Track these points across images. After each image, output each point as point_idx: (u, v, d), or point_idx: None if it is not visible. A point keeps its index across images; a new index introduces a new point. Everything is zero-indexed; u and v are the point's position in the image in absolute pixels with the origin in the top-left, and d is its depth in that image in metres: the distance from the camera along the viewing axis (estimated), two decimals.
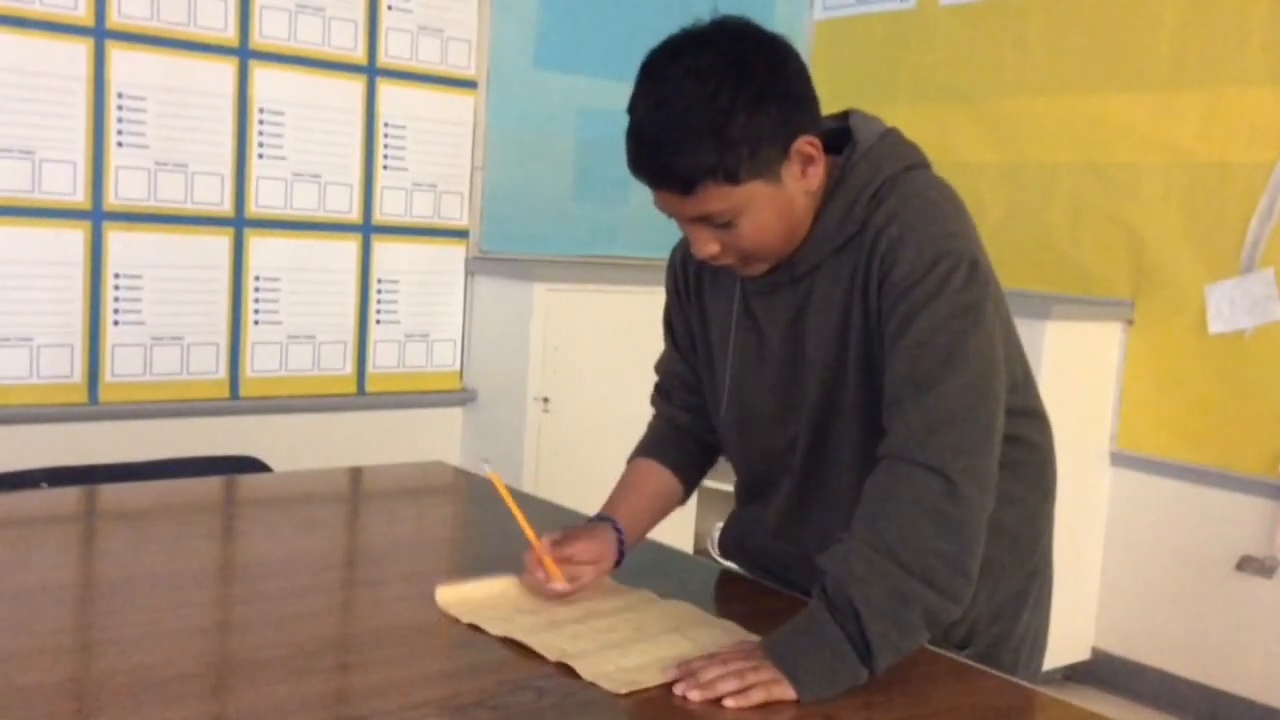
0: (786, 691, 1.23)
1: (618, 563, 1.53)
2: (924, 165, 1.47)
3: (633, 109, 1.36)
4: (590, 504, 1.68)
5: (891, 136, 1.46)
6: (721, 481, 1.75)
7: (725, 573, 1.70)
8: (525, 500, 2.11)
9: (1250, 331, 3.39)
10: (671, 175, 1.33)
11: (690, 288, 1.62)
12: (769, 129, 1.33)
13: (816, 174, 1.40)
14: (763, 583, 1.63)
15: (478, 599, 1.46)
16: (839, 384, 1.44)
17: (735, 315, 1.53)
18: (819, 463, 1.50)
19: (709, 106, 1.30)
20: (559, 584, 1.45)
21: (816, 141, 1.38)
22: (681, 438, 1.67)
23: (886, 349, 1.37)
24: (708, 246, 1.40)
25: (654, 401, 1.73)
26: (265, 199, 3.33)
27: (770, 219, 1.38)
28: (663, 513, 1.65)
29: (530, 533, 1.47)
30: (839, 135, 1.45)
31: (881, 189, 1.41)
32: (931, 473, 1.29)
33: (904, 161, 1.44)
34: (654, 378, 1.73)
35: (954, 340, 1.33)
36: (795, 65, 1.37)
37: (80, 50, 3.01)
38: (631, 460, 1.67)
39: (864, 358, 1.41)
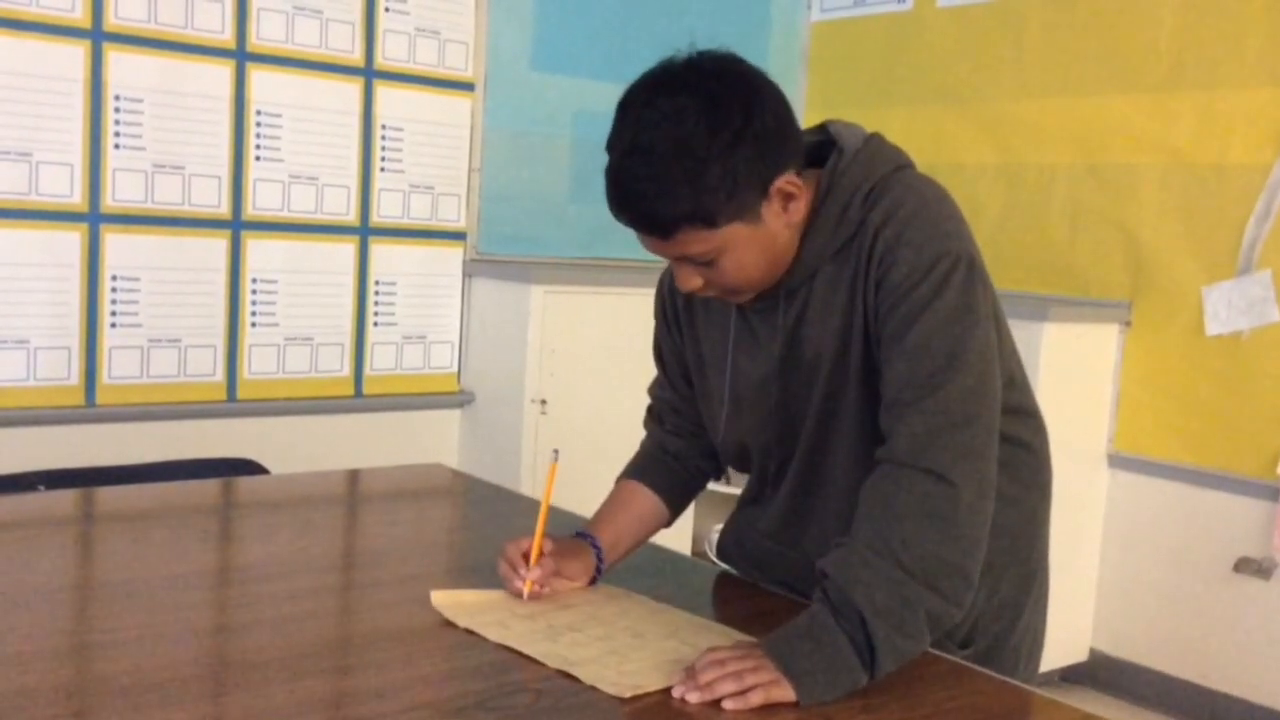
0: (786, 693, 1.23)
1: (591, 582, 1.56)
2: (911, 166, 1.47)
3: (610, 149, 1.36)
4: (588, 506, 1.68)
5: (876, 140, 1.46)
6: (720, 484, 1.75)
7: (723, 575, 1.70)
8: (523, 502, 2.12)
9: (1247, 333, 3.39)
10: (649, 221, 1.34)
11: (680, 316, 1.62)
12: (745, 172, 1.32)
13: (799, 209, 1.39)
14: (760, 586, 1.63)
15: (472, 603, 1.46)
16: (840, 388, 1.44)
17: (733, 334, 1.53)
18: (818, 467, 1.50)
19: (684, 152, 1.29)
20: (528, 592, 1.48)
21: (796, 180, 1.37)
22: (671, 463, 1.68)
23: (884, 351, 1.37)
24: (691, 281, 1.41)
25: (646, 424, 1.73)
26: (262, 201, 3.33)
27: (751, 257, 1.38)
28: (646, 536, 1.66)
29: (540, 535, 1.51)
30: (821, 147, 1.45)
31: (874, 190, 1.40)
32: (934, 478, 1.29)
33: (893, 162, 1.44)
34: (650, 380, 1.74)
35: (955, 343, 1.33)
36: (773, 103, 1.35)
37: (77, 52, 3.01)
38: (620, 480, 1.68)
39: (864, 360, 1.41)
